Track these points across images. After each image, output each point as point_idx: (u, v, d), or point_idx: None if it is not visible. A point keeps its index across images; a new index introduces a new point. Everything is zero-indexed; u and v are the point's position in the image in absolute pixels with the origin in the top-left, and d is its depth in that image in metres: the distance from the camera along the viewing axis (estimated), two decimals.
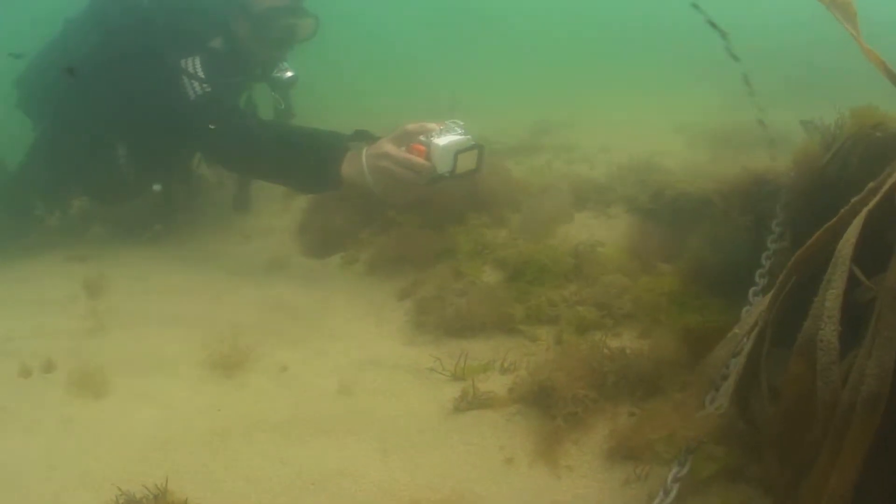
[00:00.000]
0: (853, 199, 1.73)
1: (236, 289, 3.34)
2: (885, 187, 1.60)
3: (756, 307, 2.12)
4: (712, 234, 2.58)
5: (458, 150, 2.83)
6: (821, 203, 2.08)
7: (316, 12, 3.74)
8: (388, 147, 2.86)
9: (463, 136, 2.87)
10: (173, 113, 3.43)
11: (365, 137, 3.02)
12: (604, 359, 2.30)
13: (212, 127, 3.28)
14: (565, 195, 3.46)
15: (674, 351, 2.35)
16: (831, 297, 1.50)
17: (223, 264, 3.66)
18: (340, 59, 8.07)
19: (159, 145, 3.78)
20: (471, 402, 2.31)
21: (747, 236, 2.47)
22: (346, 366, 2.62)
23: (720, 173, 2.73)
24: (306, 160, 3.11)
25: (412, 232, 3.27)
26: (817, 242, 1.80)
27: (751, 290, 2.15)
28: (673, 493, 1.76)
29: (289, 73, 3.88)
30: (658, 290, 2.59)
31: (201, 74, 3.38)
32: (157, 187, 3.96)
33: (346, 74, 8.28)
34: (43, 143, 3.99)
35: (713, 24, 3.32)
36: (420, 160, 2.82)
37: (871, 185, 1.73)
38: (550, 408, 2.19)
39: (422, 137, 2.84)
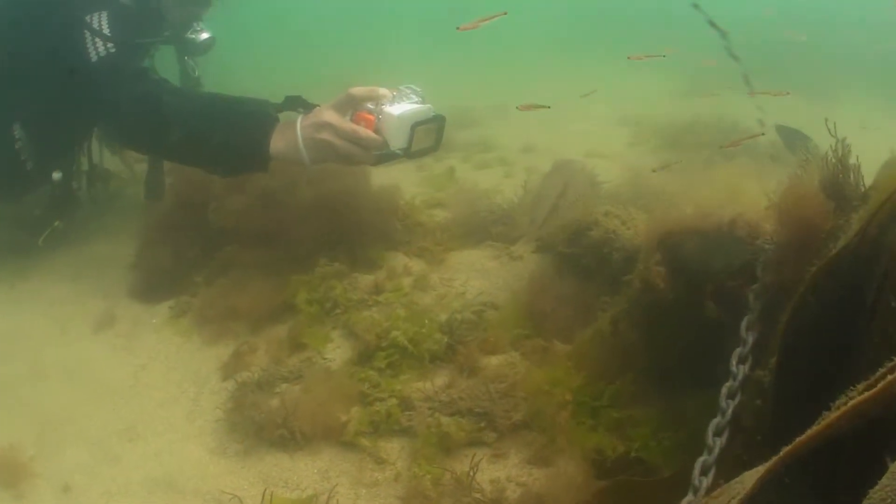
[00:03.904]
0: None
1: (59, 345, 2.69)
2: None
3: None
4: (646, 310, 1.78)
5: (416, 122, 2.26)
6: (834, 294, 1.22)
7: None
8: (329, 116, 2.30)
9: (421, 105, 2.29)
10: (71, 77, 2.80)
11: (299, 105, 2.45)
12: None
13: (116, 95, 2.66)
14: (583, 174, 2.83)
15: (578, 492, 1.57)
16: None
17: (59, 309, 2.88)
18: (255, 27, 7.14)
19: (59, 122, 3.09)
20: None
21: (697, 320, 1.67)
22: (137, 485, 1.99)
23: (664, 215, 1.89)
24: (228, 135, 2.48)
25: (251, 277, 2.44)
26: (838, 424, 0.93)
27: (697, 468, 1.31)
28: None
29: (204, 35, 3.30)
30: (562, 389, 1.79)
31: (107, 32, 2.77)
32: (57, 175, 3.25)
33: (259, 43, 7.33)
34: None
35: (713, 24, 3.07)
36: (369, 132, 2.26)
37: None
38: None
39: (370, 105, 2.29)
